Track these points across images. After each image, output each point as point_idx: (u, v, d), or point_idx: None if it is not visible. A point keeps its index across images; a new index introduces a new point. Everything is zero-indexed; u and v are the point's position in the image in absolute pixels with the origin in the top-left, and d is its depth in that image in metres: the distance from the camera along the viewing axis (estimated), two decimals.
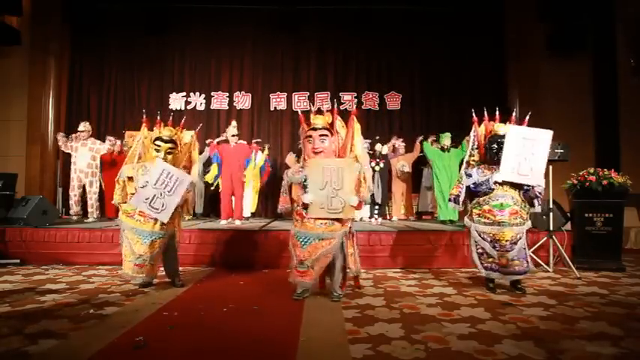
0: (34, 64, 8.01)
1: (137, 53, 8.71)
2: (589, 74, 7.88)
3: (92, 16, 8.58)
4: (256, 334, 2.75)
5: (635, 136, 7.19)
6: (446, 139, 6.77)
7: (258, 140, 7.40)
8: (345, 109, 8.49)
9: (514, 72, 8.17)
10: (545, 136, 3.74)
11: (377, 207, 6.76)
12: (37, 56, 8.01)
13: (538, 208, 3.91)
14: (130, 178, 3.88)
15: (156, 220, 3.81)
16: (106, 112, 8.68)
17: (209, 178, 7.10)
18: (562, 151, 4.89)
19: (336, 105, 3.86)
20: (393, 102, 8.61)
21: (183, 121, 4.24)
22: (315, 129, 3.58)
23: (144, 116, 4.20)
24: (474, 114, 4.17)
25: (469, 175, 3.94)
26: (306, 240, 3.51)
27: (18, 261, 5.18)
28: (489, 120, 4.08)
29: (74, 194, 6.70)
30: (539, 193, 3.80)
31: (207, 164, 7.33)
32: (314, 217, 3.49)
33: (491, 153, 3.88)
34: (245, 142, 6.87)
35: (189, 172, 4.17)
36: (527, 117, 3.97)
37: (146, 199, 3.73)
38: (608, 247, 5.01)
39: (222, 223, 6.30)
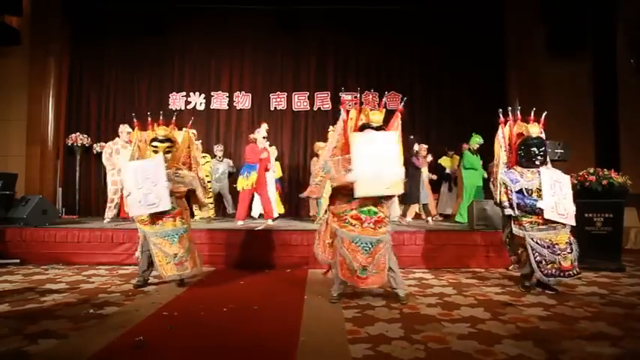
0: (34, 64, 7.99)
1: (137, 53, 8.69)
2: (589, 74, 7.87)
3: (92, 16, 8.55)
4: (256, 333, 2.76)
5: (635, 136, 7.19)
6: (477, 140, 6.80)
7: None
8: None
9: (514, 72, 8.16)
10: (566, 179, 3.88)
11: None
12: (37, 56, 7.99)
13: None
14: None
15: (173, 218, 3.85)
16: (106, 112, 8.66)
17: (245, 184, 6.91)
18: (562, 151, 4.92)
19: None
20: (394, 102, 8.59)
21: (174, 119, 4.25)
22: (376, 128, 3.45)
23: (134, 120, 4.22)
24: (500, 115, 4.11)
25: (514, 181, 3.87)
26: (368, 245, 3.40)
27: (18, 261, 5.18)
28: (521, 120, 4.05)
29: (116, 197, 6.39)
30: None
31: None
32: (363, 197, 3.32)
33: (528, 155, 3.85)
34: (268, 145, 6.82)
35: (189, 168, 4.19)
36: (543, 116, 4.01)
37: (139, 202, 3.75)
38: (607, 247, 5.00)
39: (269, 222, 6.26)
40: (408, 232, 5.41)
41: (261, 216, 7.13)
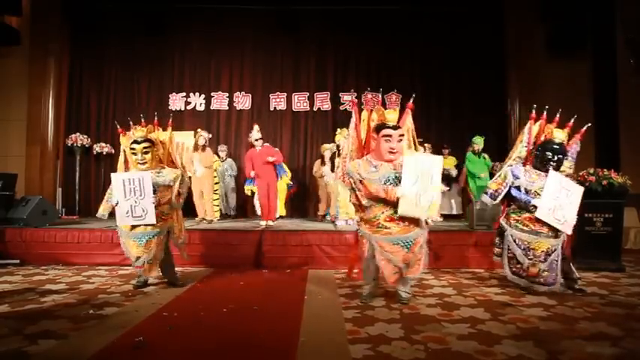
0: (33, 64, 7.98)
1: (137, 53, 8.70)
2: (589, 74, 7.87)
3: (92, 16, 8.55)
4: (256, 334, 2.76)
5: (635, 136, 7.18)
6: (477, 143, 6.87)
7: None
8: (345, 109, 8.52)
9: (514, 71, 8.15)
10: (579, 190, 3.82)
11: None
12: (37, 56, 7.99)
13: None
14: None
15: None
16: (106, 113, 8.66)
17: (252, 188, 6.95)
18: None
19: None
20: (393, 102, 8.59)
21: (155, 119, 4.26)
22: (393, 127, 3.44)
23: (118, 127, 4.25)
24: (533, 111, 4.05)
25: (516, 177, 3.87)
26: (409, 243, 3.41)
27: (18, 261, 5.18)
28: (547, 120, 4.00)
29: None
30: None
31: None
32: (403, 215, 3.36)
33: (543, 159, 3.82)
34: (268, 145, 6.78)
35: (176, 166, 4.19)
36: (584, 128, 4.01)
37: (127, 213, 3.81)
38: (607, 247, 5.00)
39: (262, 224, 6.21)
40: None
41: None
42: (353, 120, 3.69)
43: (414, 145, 3.69)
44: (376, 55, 8.67)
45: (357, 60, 8.73)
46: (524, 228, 3.80)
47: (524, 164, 3.98)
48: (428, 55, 8.63)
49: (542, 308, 3.36)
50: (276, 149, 6.87)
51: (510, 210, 3.95)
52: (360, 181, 3.43)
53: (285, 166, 6.89)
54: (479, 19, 8.39)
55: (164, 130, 4.26)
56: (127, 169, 4.07)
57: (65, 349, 2.52)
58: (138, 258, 3.84)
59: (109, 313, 3.21)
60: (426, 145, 7.10)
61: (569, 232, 3.78)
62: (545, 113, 4.01)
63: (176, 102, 8.63)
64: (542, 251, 3.73)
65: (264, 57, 8.73)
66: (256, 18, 8.56)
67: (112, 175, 3.89)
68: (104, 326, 2.92)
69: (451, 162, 7.73)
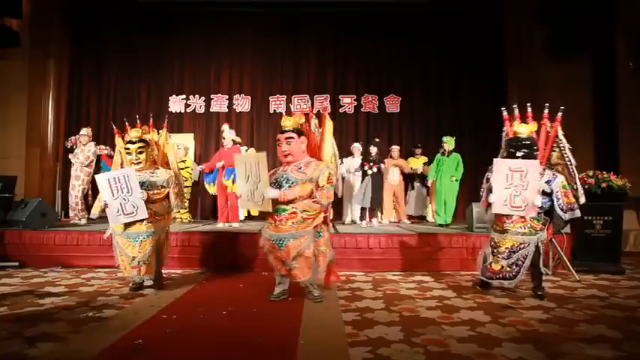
0: (33, 67, 7.99)
1: (137, 56, 8.71)
2: (588, 76, 7.89)
3: (92, 18, 8.57)
4: (256, 336, 2.75)
5: (635, 138, 7.19)
6: (447, 143, 6.78)
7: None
8: (345, 111, 8.54)
9: (513, 74, 8.17)
10: (533, 165, 3.65)
11: (367, 210, 6.75)
12: (37, 58, 8.00)
13: (569, 215, 3.68)
14: None
15: (141, 221, 3.86)
16: (106, 115, 8.66)
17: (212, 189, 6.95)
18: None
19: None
20: (393, 105, 8.61)
21: (151, 121, 4.34)
22: (282, 132, 3.62)
23: (114, 127, 4.27)
24: (504, 112, 4.08)
25: (487, 180, 3.91)
26: (280, 242, 3.54)
27: (17, 264, 5.16)
28: (520, 118, 3.99)
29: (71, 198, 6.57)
30: (568, 207, 3.67)
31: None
32: (499, 214, 3.67)
33: (509, 156, 3.80)
34: (239, 146, 6.81)
35: (168, 166, 4.20)
36: (560, 114, 3.94)
37: (117, 212, 3.80)
38: (607, 249, 5.01)
39: (220, 225, 6.29)
40: (407, 235, 5.41)
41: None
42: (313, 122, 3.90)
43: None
44: (376, 58, 8.68)
45: (357, 62, 8.73)
46: (497, 228, 3.84)
47: None
48: (427, 58, 8.64)
49: (542, 311, 3.36)
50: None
51: (491, 214, 3.97)
52: None
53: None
54: (478, 22, 8.41)
55: (158, 131, 4.30)
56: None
57: (64, 352, 2.51)
58: (133, 258, 3.83)
59: (108, 316, 3.20)
60: (377, 140, 7.21)
61: (533, 214, 3.66)
62: (517, 111, 4.01)
63: (176, 104, 8.63)
64: (506, 248, 3.72)
65: (264, 59, 8.74)
66: (256, 20, 8.59)
67: (96, 176, 3.87)
68: (103, 329, 2.92)
69: (420, 161, 7.70)
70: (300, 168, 3.57)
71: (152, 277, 4.02)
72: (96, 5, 8.50)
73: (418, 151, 7.86)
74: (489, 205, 3.84)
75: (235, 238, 5.34)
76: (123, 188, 3.79)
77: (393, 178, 7.35)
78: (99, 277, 4.69)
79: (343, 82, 8.73)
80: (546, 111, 3.98)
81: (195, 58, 8.76)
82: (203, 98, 8.68)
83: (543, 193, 3.66)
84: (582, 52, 7.76)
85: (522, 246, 3.69)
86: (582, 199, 3.84)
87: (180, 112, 8.58)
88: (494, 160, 3.82)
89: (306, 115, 3.84)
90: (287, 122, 3.65)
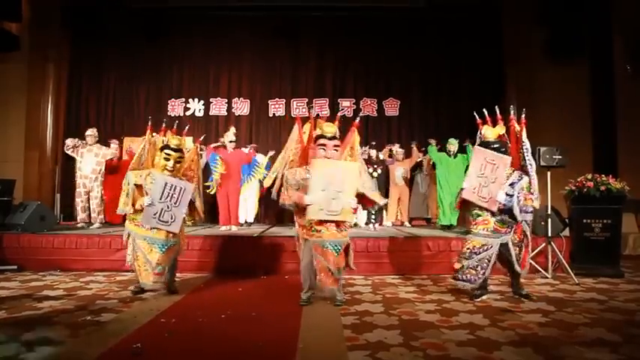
0: (33, 70, 7.99)
1: (136, 59, 8.72)
2: (586, 79, 7.92)
3: (92, 22, 8.59)
4: (255, 340, 2.74)
5: (633, 140, 7.19)
6: (452, 145, 6.76)
7: (254, 145, 7.31)
8: (344, 115, 8.54)
9: (512, 77, 8.19)
10: (504, 161, 3.68)
11: (373, 214, 6.73)
12: (37, 62, 8.00)
13: (521, 217, 3.66)
14: (138, 186, 3.87)
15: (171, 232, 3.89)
16: (105, 118, 8.67)
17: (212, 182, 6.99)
18: (560, 156, 4.91)
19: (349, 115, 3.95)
20: (392, 108, 8.62)
21: (186, 129, 4.39)
22: (329, 137, 3.58)
23: (149, 122, 4.27)
24: (477, 116, 4.13)
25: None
26: (337, 247, 3.57)
27: (15, 267, 5.15)
28: (491, 122, 4.03)
29: (80, 200, 6.56)
30: (523, 209, 3.66)
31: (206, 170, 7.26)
32: (313, 219, 3.52)
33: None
34: (242, 149, 6.82)
35: (191, 179, 4.20)
36: (523, 115, 3.91)
37: (154, 214, 3.80)
38: (606, 253, 5.01)
39: (222, 229, 6.28)
40: (405, 238, 5.41)
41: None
42: (295, 131, 3.94)
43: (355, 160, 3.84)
44: (375, 61, 8.71)
45: (356, 66, 8.76)
46: (473, 230, 3.86)
47: None
48: (426, 61, 8.67)
49: (541, 314, 3.36)
50: (250, 150, 6.94)
51: (473, 214, 3.96)
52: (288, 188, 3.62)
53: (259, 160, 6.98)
54: (477, 24, 8.45)
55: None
56: (142, 167, 4.06)
57: (62, 356, 2.50)
58: (157, 265, 3.83)
59: (107, 320, 3.20)
60: (373, 143, 7.28)
61: (494, 209, 3.67)
62: (487, 115, 4.04)
63: (175, 108, 8.64)
64: (468, 248, 3.75)
65: (263, 63, 8.76)
66: (255, 24, 8.62)
67: (158, 175, 3.85)
68: (102, 333, 2.91)
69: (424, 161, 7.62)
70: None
71: (166, 284, 4.03)
72: (95, 8, 8.51)
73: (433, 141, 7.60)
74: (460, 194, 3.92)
75: (235, 242, 5.34)
76: (173, 197, 3.83)
77: (399, 179, 7.34)
78: (97, 280, 4.68)
79: (342, 86, 8.75)
80: (512, 112, 3.99)
81: (194, 61, 8.78)
82: (202, 101, 8.69)
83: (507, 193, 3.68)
84: (581, 54, 7.79)
85: (485, 248, 3.71)
86: (536, 204, 3.74)
87: (179, 115, 8.57)
88: (475, 147, 3.90)
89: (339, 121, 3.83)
90: (331, 129, 3.62)
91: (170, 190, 3.82)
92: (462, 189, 3.89)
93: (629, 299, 3.89)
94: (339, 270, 3.57)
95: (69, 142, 6.76)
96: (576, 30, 7.66)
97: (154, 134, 4.22)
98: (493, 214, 3.72)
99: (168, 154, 3.92)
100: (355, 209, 3.59)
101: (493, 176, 3.68)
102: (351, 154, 3.82)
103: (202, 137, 4.85)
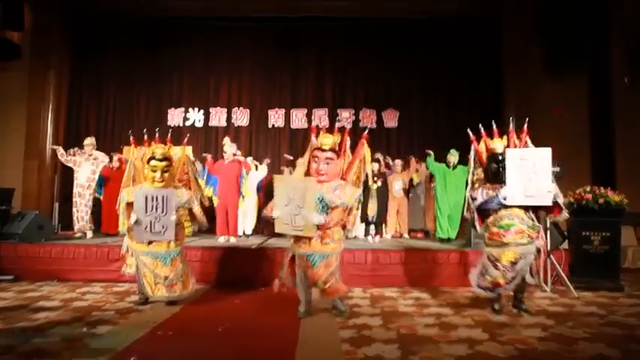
0: (33, 78, 8.03)
1: (136, 69, 8.76)
2: (585, 91, 7.96)
3: (93, 31, 8.66)
4: (252, 354, 2.72)
5: (631, 154, 7.21)
6: (453, 156, 6.73)
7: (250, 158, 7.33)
8: (343, 126, 8.55)
9: (511, 88, 8.23)
10: (544, 153, 3.70)
11: (373, 225, 6.71)
12: (37, 70, 8.04)
13: (563, 216, 3.77)
14: (130, 204, 3.87)
15: (168, 240, 3.86)
16: (105, 127, 8.69)
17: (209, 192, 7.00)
18: (558, 168, 4.91)
19: (348, 126, 3.91)
20: (391, 119, 8.65)
21: (169, 136, 4.31)
22: (322, 150, 3.57)
23: (131, 137, 4.23)
24: (470, 132, 4.14)
25: (474, 199, 3.87)
26: (313, 260, 3.53)
27: (12, 277, 5.11)
28: (487, 136, 4.04)
29: (76, 210, 6.51)
30: (560, 203, 3.75)
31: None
32: (279, 232, 3.56)
33: (491, 172, 3.82)
34: (240, 159, 6.79)
35: (186, 186, 4.19)
36: (525, 125, 3.93)
37: (145, 228, 3.78)
38: (606, 266, 4.98)
39: (220, 240, 6.25)
40: (404, 251, 5.39)
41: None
42: (312, 142, 3.84)
43: (360, 174, 3.79)
44: (375, 72, 8.75)
45: (356, 77, 8.81)
46: (495, 243, 3.75)
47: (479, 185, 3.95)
48: (426, 73, 8.71)
49: (540, 328, 3.34)
50: (246, 160, 6.91)
51: (483, 229, 3.90)
52: None
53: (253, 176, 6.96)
54: (476, 36, 8.50)
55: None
56: (134, 183, 4.05)
57: None
58: (166, 278, 3.81)
59: (103, 332, 3.17)
60: (379, 158, 7.17)
61: (546, 202, 3.66)
62: (482, 130, 4.04)
63: (174, 117, 8.66)
64: (508, 261, 3.67)
65: (262, 73, 8.81)
66: (255, 34, 8.68)
67: (135, 191, 3.84)
68: (97, 345, 2.88)
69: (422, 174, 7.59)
70: (336, 190, 3.52)
71: (189, 293, 4.02)
72: (96, 18, 8.57)
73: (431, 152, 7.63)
74: (484, 221, 3.84)
75: (233, 254, 5.31)
76: (158, 207, 3.79)
77: (397, 191, 7.34)
78: (94, 291, 4.64)
79: (342, 96, 8.79)
80: (511, 125, 4.01)
81: (194, 70, 8.83)
82: (202, 111, 8.72)
83: None
84: (579, 66, 7.83)
85: (522, 257, 3.68)
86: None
87: (179, 125, 8.59)
88: (507, 149, 3.77)
89: (343, 132, 3.83)
90: (327, 140, 3.61)
91: (152, 201, 3.79)
92: (466, 202, 3.84)
93: (629, 314, 3.87)
94: (325, 282, 3.47)
95: (57, 149, 6.78)
96: (575, 42, 7.71)
97: (138, 147, 4.19)
98: (523, 220, 3.69)
99: (154, 166, 3.87)
100: (324, 225, 3.46)
101: (535, 170, 3.63)
102: (359, 167, 3.77)
103: (185, 139, 4.70)
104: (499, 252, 3.72)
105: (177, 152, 4.26)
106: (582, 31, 7.72)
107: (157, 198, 3.79)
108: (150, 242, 3.83)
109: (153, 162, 3.89)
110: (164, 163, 3.91)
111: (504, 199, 3.68)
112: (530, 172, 3.64)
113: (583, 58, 7.80)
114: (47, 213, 7.46)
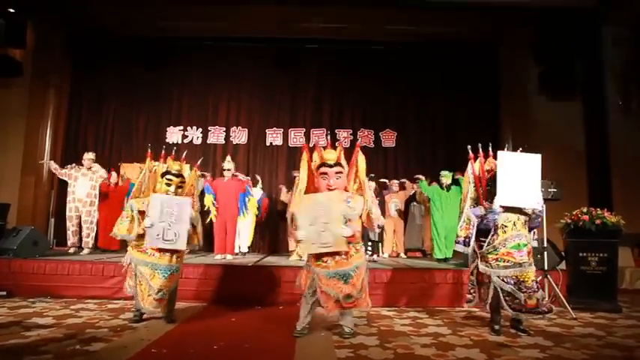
0: (33, 95, 8.10)
1: (136, 87, 8.85)
2: (581, 113, 8.09)
3: (93, 50, 8.76)
4: None
5: (627, 174, 7.28)
6: (446, 177, 6.76)
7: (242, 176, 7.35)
8: (337, 139, 8.63)
9: (508, 110, 8.35)
10: (535, 159, 3.77)
11: (370, 244, 6.69)
12: (38, 88, 8.11)
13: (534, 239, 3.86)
14: (141, 212, 3.89)
15: (172, 253, 3.87)
16: (103, 145, 8.71)
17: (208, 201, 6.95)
18: (555, 190, 4.95)
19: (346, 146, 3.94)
20: (388, 139, 8.72)
21: (184, 154, 4.40)
22: (330, 165, 3.59)
23: (148, 150, 4.29)
24: (470, 150, 4.17)
25: (477, 216, 3.82)
26: (347, 276, 3.52)
27: (4, 293, 5.05)
28: (484, 157, 4.07)
29: (71, 224, 6.49)
30: (538, 215, 3.83)
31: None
32: (308, 253, 3.52)
33: (491, 194, 3.80)
34: (239, 177, 6.82)
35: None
36: (520, 150, 3.98)
37: (157, 235, 3.79)
38: (603, 287, 4.97)
39: (217, 257, 6.23)
40: (401, 270, 5.37)
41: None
42: (303, 160, 3.82)
43: (361, 184, 3.78)
44: (373, 93, 8.87)
45: (354, 97, 8.91)
46: (507, 264, 3.69)
47: (477, 204, 3.92)
48: (424, 93, 8.83)
49: (538, 349, 3.31)
50: (246, 178, 6.95)
51: (485, 252, 3.80)
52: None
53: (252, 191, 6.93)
54: (474, 59, 8.66)
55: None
56: (143, 195, 4.05)
57: None
58: (159, 290, 3.78)
59: (97, 349, 3.12)
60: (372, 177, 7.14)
61: (534, 205, 3.71)
62: (481, 149, 4.08)
63: (173, 135, 8.71)
64: (532, 280, 3.65)
65: (261, 92, 8.91)
66: (255, 54, 8.80)
67: (152, 195, 3.89)
68: None
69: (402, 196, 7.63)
70: (349, 202, 3.54)
71: (165, 312, 3.98)
72: (97, 36, 8.69)
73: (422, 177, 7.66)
74: (482, 241, 3.82)
75: (229, 272, 5.28)
76: (172, 214, 3.81)
77: (393, 212, 7.36)
78: (88, 308, 4.59)
79: (340, 116, 8.88)
80: (506, 149, 4.10)
81: (193, 89, 8.92)
82: (200, 129, 8.77)
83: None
84: (575, 91, 8.00)
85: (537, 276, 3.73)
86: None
87: (177, 142, 8.62)
88: (499, 152, 3.82)
89: (337, 146, 3.86)
90: (331, 155, 3.64)
91: (167, 207, 3.82)
92: (462, 219, 3.87)
93: (627, 335, 3.84)
94: (350, 296, 3.46)
95: (51, 164, 6.83)
96: (571, 67, 7.89)
97: (155, 162, 4.24)
98: (526, 236, 3.73)
99: (170, 180, 3.94)
100: (352, 236, 3.48)
101: (526, 175, 3.69)
102: (355, 181, 3.77)
103: (200, 160, 4.83)
104: (519, 272, 3.66)
105: (187, 171, 4.31)
106: (577, 55, 7.90)
107: (171, 205, 3.84)
108: (160, 250, 3.82)
109: (169, 176, 3.95)
110: (179, 179, 3.99)
111: (500, 206, 3.70)
112: (522, 177, 3.70)
113: (578, 80, 7.97)
114: (42, 229, 7.44)
